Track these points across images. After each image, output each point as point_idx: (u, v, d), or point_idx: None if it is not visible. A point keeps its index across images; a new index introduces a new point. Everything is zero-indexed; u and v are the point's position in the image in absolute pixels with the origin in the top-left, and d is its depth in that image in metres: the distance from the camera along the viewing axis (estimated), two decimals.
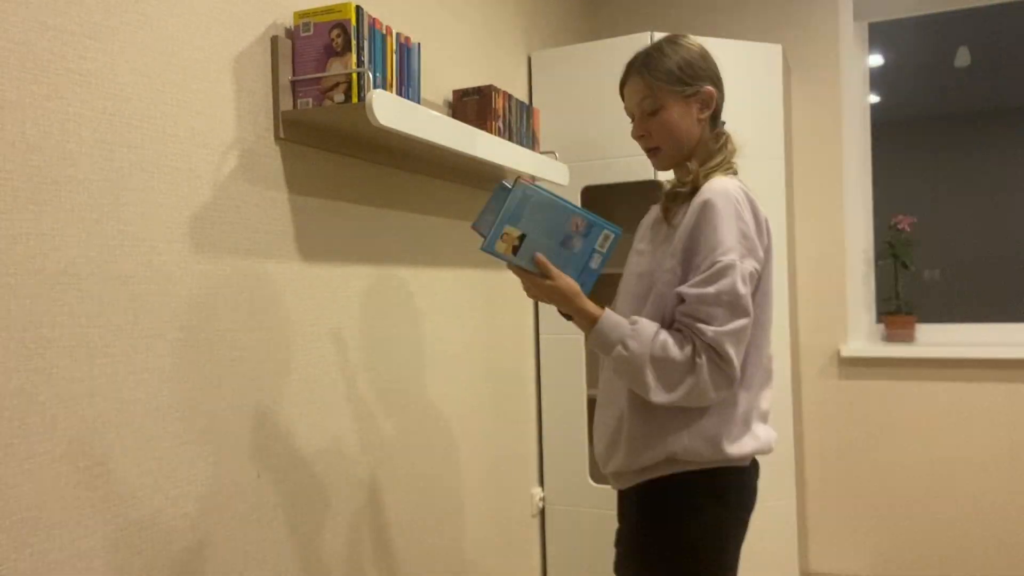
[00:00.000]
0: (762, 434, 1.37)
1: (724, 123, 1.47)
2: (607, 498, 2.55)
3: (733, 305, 1.24)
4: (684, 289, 1.27)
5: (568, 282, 1.32)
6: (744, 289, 1.25)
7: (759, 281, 1.33)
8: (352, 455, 1.70)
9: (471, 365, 2.22)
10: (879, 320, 2.97)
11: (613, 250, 1.34)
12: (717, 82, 1.42)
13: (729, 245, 1.25)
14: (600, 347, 1.31)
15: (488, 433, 2.31)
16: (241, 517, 1.40)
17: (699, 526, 1.33)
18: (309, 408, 1.58)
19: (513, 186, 1.28)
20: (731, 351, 1.24)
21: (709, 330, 1.23)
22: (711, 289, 1.24)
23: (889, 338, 2.91)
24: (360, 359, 1.74)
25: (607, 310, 1.32)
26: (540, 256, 1.31)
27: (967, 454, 2.74)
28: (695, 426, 1.31)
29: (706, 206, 1.27)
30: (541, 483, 2.67)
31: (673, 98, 1.38)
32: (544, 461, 2.66)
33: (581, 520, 2.60)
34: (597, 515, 2.57)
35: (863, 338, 2.93)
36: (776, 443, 1.45)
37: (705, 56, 1.42)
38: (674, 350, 1.25)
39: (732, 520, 1.36)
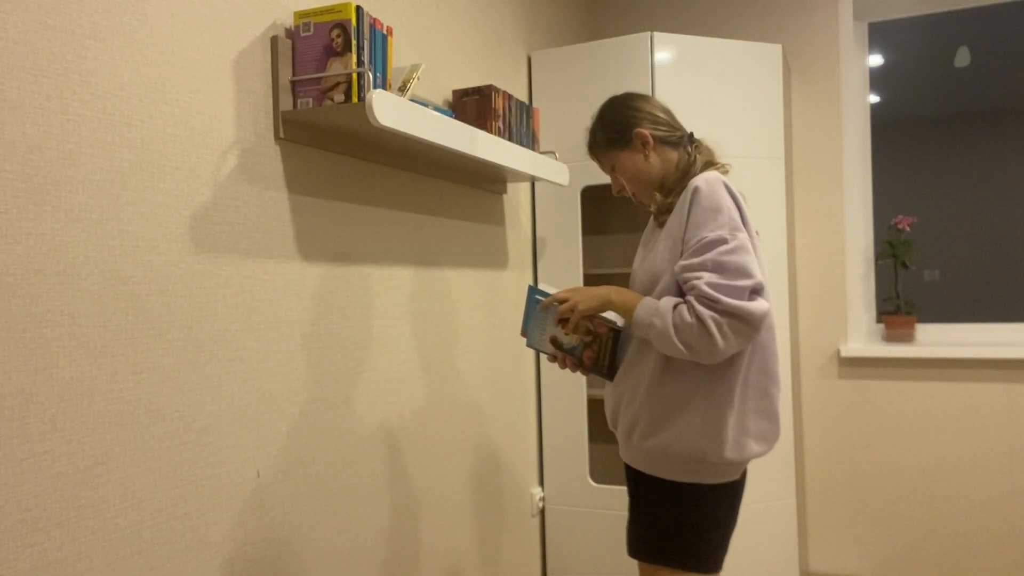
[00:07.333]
0: None
1: (691, 134, 1.60)
2: (607, 498, 2.55)
3: (721, 267, 1.37)
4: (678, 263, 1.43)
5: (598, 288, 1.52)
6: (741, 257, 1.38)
7: None
8: (352, 455, 1.70)
9: (471, 365, 2.22)
10: (879, 320, 2.97)
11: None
12: (649, 117, 1.57)
13: (721, 222, 1.39)
14: (639, 328, 1.45)
15: (488, 433, 2.30)
16: (241, 517, 1.40)
17: None
18: (309, 408, 1.58)
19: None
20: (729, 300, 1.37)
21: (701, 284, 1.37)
22: (695, 260, 1.38)
23: (889, 338, 2.91)
24: (359, 359, 1.74)
25: (645, 298, 1.48)
26: (552, 297, 1.54)
27: (967, 454, 2.74)
28: None
29: (693, 195, 1.43)
30: (541, 483, 2.67)
31: (616, 154, 1.59)
32: (544, 461, 2.66)
33: (581, 520, 2.60)
34: (597, 515, 2.57)
35: (863, 338, 2.93)
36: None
37: (629, 105, 1.59)
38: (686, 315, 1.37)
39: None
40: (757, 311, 1.33)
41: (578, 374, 2.60)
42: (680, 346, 1.35)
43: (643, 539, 1.51)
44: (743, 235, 1.38)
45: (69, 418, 1.11)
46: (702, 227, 1.38)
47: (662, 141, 1.56)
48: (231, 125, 1.40)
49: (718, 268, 1.35)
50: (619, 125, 1.57)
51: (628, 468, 1.58)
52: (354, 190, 1.73)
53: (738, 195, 1.44)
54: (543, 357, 2.65)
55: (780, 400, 1.49)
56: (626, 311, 1.46)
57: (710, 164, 1.54)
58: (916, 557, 2.81)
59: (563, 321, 1.52)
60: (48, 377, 1.08)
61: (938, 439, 2.78)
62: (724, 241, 1.36)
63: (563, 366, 1.59)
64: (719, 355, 1.36)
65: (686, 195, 1.44)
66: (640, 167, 1.57)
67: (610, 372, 1.57)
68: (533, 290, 1.55)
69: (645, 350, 1.48)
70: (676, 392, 1.43)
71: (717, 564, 1.47)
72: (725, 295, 1.32)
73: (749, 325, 1.33)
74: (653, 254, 1.51)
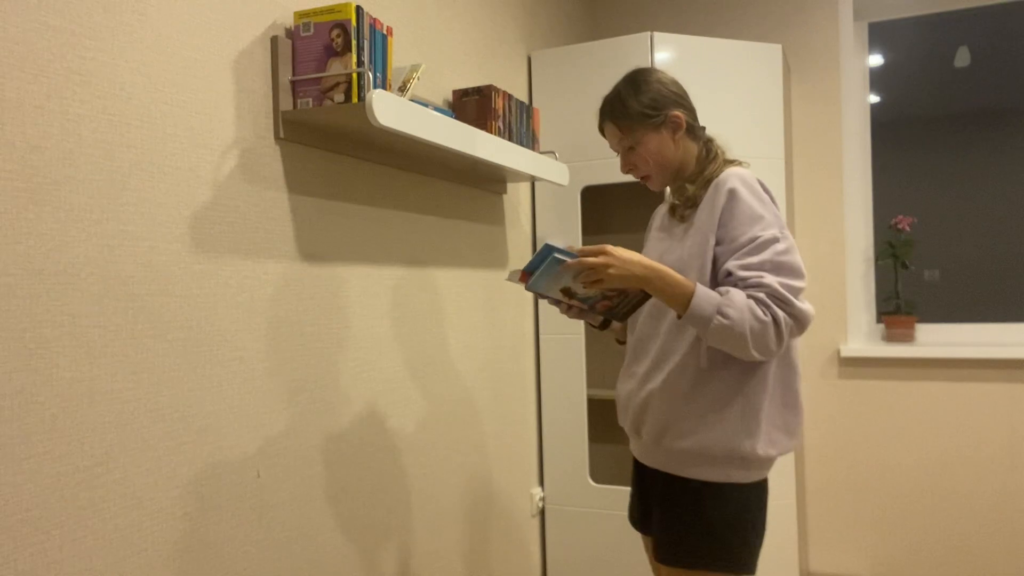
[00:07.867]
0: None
1: (704, 128, 1.56)
2: (607, 498, 2.55)
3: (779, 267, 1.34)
4: (730, 263, 1.37)
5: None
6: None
7: None
8: (352, 455, 1.70)
9: (471, 365, 2.22)
10: (879, 320, 2.97)
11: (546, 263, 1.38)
12: (682, 101, 1.52)
13: (769, 221, 1.37)
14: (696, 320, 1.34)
15: (488, 433, 2.30)
16: (241, 517, 1.40)
17: None
18: (309, 408, 1.58)
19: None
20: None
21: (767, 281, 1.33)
22: (754, 259, 1.34)
23: (889, 338, 2.91)
24: (360, 359, 1.74)
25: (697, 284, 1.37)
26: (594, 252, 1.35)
27: (967, 454, 2.74)
28: None
29: (730, 193, 1.38)
30: (541, 483, 2.67)
31: (645, 131, 1.50)
32: (544, 461, 2.66)
33: (581, 520, 2.60)
34: (597, 515, 2.57)
35: (863, 338, 2.93)
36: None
37: (664, 83, 1.52)
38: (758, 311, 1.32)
39: None
40: (810, 314, 1.34)
41: (579, 374, 2.61)
42: (751, 343, 1.30)
43: (678, 545, 1.44)
44: (789, 234, 1.38)
45: (69, 418, 1.11)
46: (750, 225, 1.36)
47: (689, 130, 1.52)
48: (231, 125, 1.40)
49: (777, 268, 1.33)
50: (657, 101, 1.50)
51: (649, 473, 1.53)
52: (354, 190, 1.73)
53: (772, 192, 1.43)
54: (543, 356, 2.65)
55: (803, 391, 1.50)
56: (674, 300, 1.34)
57: (728, 161, 1.51)
58: (916, 557, 2.81)
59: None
60: (48, 377, 1.08)
61: (938, 439, 2.78)
62: (777, 240, 1.35)
63: (565, 312, 1.50)
64: (774, 356, 1.36)
65: (718, 191, 1.40)
66: (666, 151, 1.51)
67: (621, 320, 1.50)
68: (551, 248, 1.35)
69: (677, 348, 1.43)
70: (718, 391, 1.40)
71: (754, 565, 1.44)
72: (794, 296, 1.32)
73: (802, 328, 1.34)
74: (680, 248, 1.46)
